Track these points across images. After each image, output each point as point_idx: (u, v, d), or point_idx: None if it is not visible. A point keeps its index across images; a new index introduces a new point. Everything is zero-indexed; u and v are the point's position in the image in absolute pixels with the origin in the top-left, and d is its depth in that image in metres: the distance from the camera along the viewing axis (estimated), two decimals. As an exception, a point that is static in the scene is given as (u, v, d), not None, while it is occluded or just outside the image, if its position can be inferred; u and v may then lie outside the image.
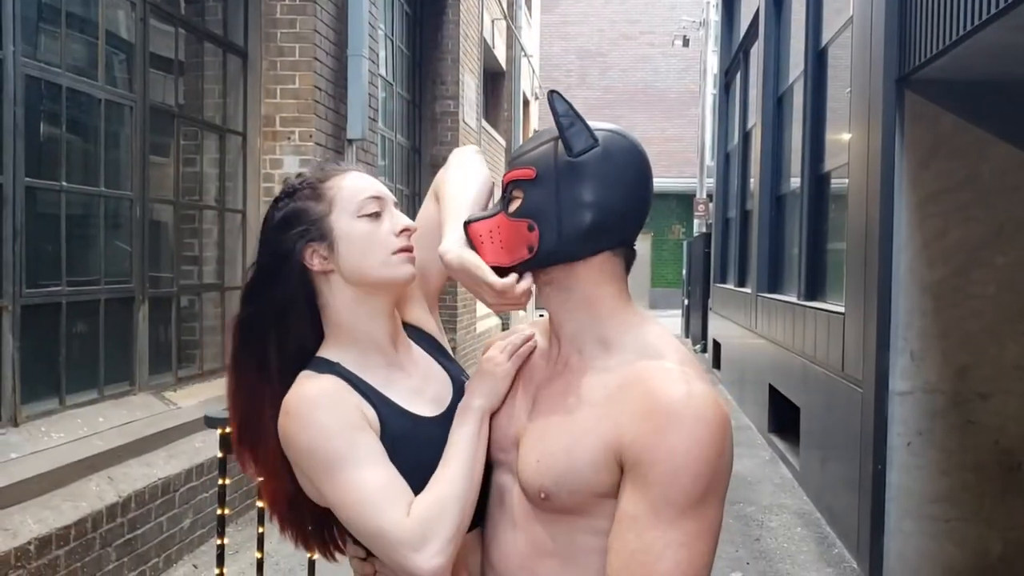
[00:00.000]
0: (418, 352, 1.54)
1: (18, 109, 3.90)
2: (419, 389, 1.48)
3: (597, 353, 1.32)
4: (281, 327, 1.44)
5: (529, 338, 1.44)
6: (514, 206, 1.33)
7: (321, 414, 1.34)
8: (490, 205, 1.46)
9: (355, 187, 1.45)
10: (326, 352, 1.44)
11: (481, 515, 1.42)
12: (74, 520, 3.69)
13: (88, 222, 4.67)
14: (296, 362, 1.44)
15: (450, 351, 1.61)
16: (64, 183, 4.32)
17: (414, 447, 1.39)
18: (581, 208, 1.29)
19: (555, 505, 1.26)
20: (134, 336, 4.87)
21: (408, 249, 1.45)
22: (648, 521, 1.17)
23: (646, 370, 1.25)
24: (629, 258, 1.37)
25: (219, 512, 3.33)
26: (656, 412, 1.19)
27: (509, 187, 1.35)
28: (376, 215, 1.44)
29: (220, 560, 3.34)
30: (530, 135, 19.52)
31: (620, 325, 1.33)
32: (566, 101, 1.31)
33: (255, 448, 1.48)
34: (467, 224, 1.38)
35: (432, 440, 1.39)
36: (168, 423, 4.73)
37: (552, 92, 1.31)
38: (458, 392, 1.50)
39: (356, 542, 1.42)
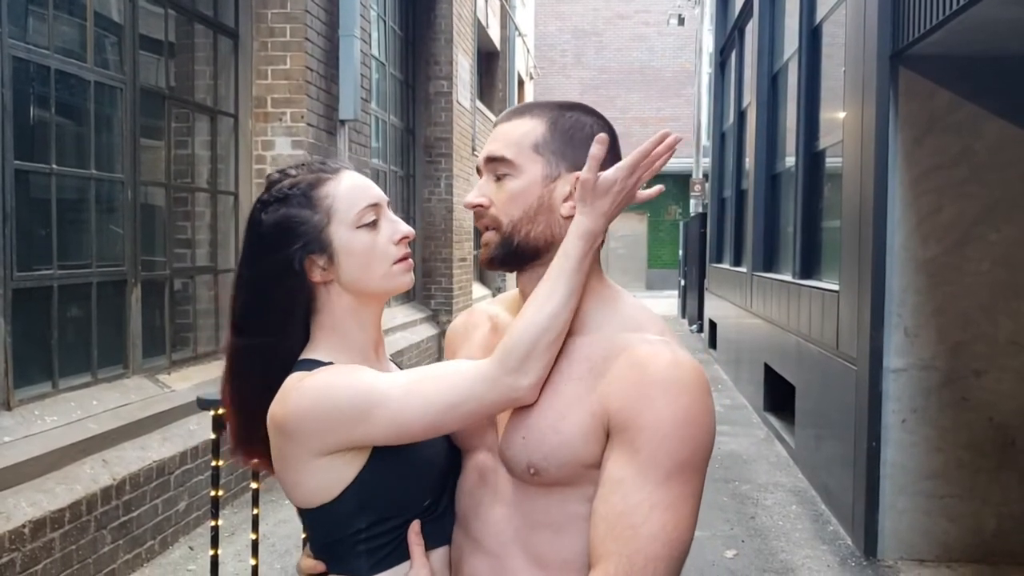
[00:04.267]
0: (394, 366, 1.56)
1: (6, 91, 3.86)
2: None
3: (575, 330, 1.32)
4: (280, 333, 1.43)
5: (672, 143, 1.29)
6: None
7: (338, 379, 1.32)
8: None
9: (351, 196, 1.42)
10: (315, 354, 1.42)
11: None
12: (68, 503, 3.69)
13: (79, 205, 4.65)
14: (285, 363, 1.42)
15: None
16: (54, 166, 4.29)
17: (403, 447, 1.36)
18: None
19: (545, 479, 1.28)
20: (127, 319, 4.86)
21: (407, 257, 1.45)
22: (635, 484, 1.20)
23: (630, 342, 1.27)
24: None
25: (212, 494, 3.33)
26: (644, 380, 1.22)
27: None
28: (374, 223, 1.43)
29: (215, 542, 3.35)
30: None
31: (596, 301, 1.34)
32: None
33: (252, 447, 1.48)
34: None
35: (416, 445, 1.36)
36: (162, 406, 4.73)
37: None
38: None
39: (312, 555, 1.43)
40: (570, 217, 1.30)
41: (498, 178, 1.35)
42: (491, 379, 1.26)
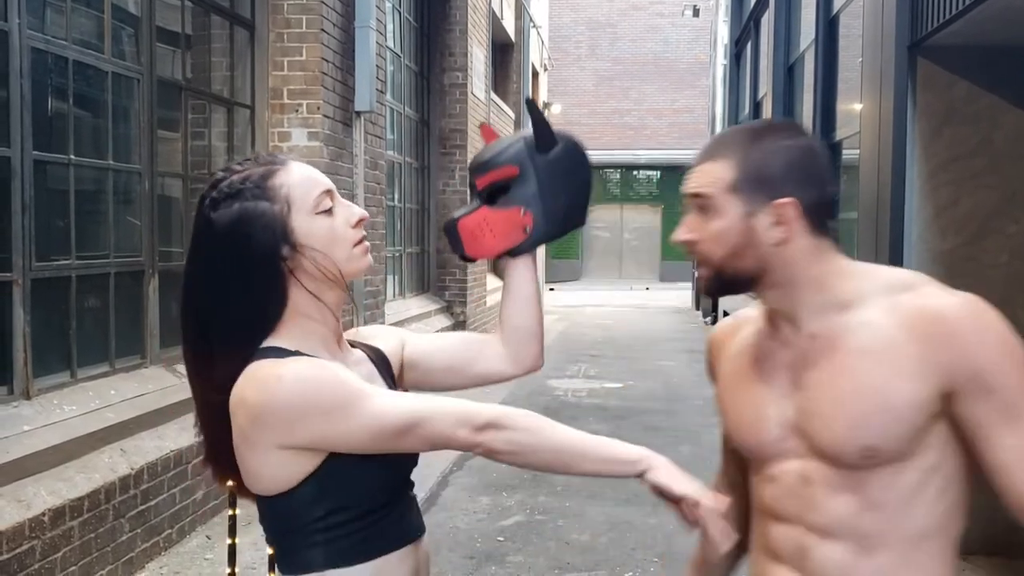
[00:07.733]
0: (360, 355, 1.55)
1: (24, 82, 3.89)
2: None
3: (843, 316, 1.37)
4: (253, 326, 1.42)
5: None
6: (500, 199, 1.53)
7: (323, 373, 1.34)
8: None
9: (305, 184, 1.43)
10: (278, 342, 1.41)
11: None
12: (87, 492, 3.72)
13: (97, 196, 4.67)
14: (249, 352, 1.41)
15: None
16: (72, 156, 4.31)
17: None
18: (559, 194, 1.53)
19: (882, 458, 1.33)
20: (145, 309, 4.89)
21: (363, 240, 1.47)
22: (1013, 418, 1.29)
23: (917, 302, 1.33)
24: (828, 228, 1.44)
25: (230, 483, 3.35)
26: (957, 331, 1.29)
27: (488, 187, 1.54)
28: (330, 210, 1.43)
29: (232, 531, 3.37)
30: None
31: (850, 283, 1.40)
32: (539, 109, 1.59)
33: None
34: (456, 221, 1.54)
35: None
36: (180, 395, 4.74)
37: (529, 101, 1.66)
38: None
39: None
40: (779, 244, 1.37)
41: (702, 213, 1.41)
42: (464, 426, 1.33)
